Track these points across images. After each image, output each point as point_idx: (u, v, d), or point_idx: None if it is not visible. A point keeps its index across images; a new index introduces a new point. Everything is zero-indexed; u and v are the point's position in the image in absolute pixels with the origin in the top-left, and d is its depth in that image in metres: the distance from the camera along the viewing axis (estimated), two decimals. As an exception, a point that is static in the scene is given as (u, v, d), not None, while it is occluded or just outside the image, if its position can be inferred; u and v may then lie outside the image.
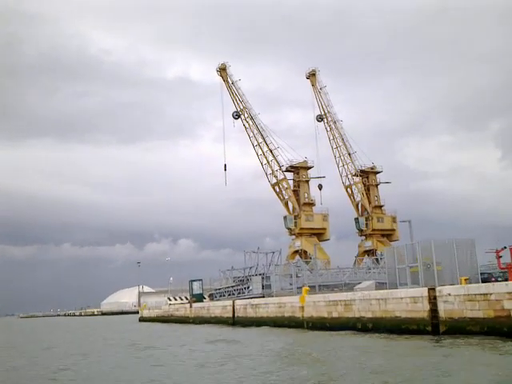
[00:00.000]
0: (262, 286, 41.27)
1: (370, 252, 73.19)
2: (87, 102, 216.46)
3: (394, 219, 75.40)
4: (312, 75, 75.63)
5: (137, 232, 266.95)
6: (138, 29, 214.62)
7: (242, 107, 71.56)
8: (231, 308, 38.19)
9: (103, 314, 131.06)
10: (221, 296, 47.54)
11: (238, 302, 37.82)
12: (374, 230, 73.50)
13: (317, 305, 27.55)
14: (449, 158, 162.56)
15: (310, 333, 25.66)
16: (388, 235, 74.92)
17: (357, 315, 24.14)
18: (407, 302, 21.15)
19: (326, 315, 26.62)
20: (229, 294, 45.68)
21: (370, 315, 23.30)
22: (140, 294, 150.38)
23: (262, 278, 41.73)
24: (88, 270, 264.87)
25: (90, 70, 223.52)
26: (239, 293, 43.65)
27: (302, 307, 28.88)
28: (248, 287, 42.22)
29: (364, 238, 75.43)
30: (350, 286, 39.88)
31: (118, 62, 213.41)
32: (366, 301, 23.62)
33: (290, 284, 40.90)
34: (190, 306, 46.37)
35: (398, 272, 24.96)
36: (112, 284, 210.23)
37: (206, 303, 44.80)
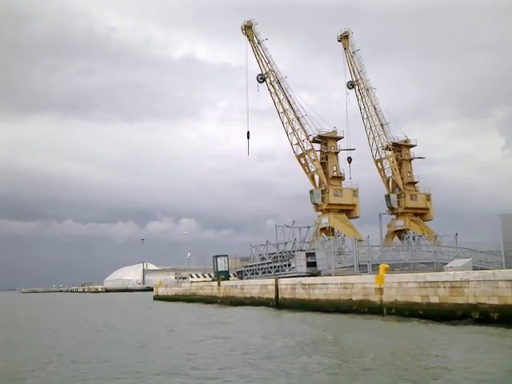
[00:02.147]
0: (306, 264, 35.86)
1: (401, 232, 67.66)
2: (92, 79, 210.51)
3: (428, 197, 69.81)
4: (345, 37, 69.03)
5: (139, 210, 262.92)
6: (145, 7, 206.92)
7: (267, 69, 65.24)
8: (273, 288, 32.67)
9: (107, 290, 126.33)
10: (252, 274, 42.16)
11: (282, 280, 32.30)
12: (406, 208, 67.80)
13: (403, 286, 21.99)
14: (453, 145, 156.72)
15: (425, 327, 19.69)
16: (421, 214, 69.30)
17: (472, 301, 18.56)
18: None
19: (418, 300, 21.07)
20: (263, 272, 40.30)
21: (494, 302, 17.71)
22: (144, 272, 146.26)
23: (306, 255, 36.24)
24: (90, 247, 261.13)
25: (96, 48, 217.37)
26: (277, 271, 38.23)
27: (380, 289, 23.35)
28: (289, 264, 36.71)
29: (395, 216, 69.74)
30: (410, 267, 34.52)
31: (124, 40, 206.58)
32: (487, 282, 18.01)
33: (339, 262, 35.51)
34: (219, 285, 40.91)
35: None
36: (114, 261, 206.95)
37: (239, 281, 39.37)
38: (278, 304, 32.02)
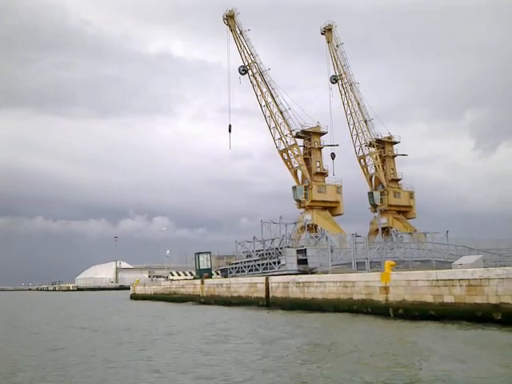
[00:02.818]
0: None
1: (384, 230, 66.58)
2: (66, 73, 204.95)
3: (411, 195, 68.99)
4: (328, 30, 67.45)
5: (111, 208, 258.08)
6: (121, 2, 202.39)
7: (250, 61, 63.17)
8: (263, 286, 30.86)
9: (79, 289, 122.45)
10: (238, 272, 40.17)
11: (273, 278, 30.48)
12: (389, 205, 66.79)
13: (412, 285, 20.42)
14: (425, 146, 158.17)
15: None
16: (404, 212, 68.48)
17: (493, 301, 17.09)
18: None
19: (430, 299, 19.53)
20: (250, 270, 38.34)
21: (520, 301, 16.28)
22: (117, 270, 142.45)
23: (297, 252, 34.51)
24: (61, 245, 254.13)
25: (71, 42, 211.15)
26: (265, 268, 36.33)
27: (385, 287, 21.74)
28: (279, 262, 34.89)
29: (377, 214, 68.68)
30: (405, 264, 33.15)
31: (99, 34, 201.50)
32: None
33: (331, 260, 33.84)
34: (202, 283, 38.83)
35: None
36: (86, 259, 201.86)
37: (225, 280, 37.36)
38: (269, 303, 30.26)
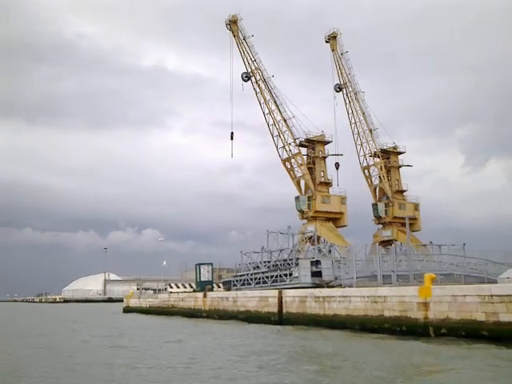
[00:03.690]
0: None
1: (388, 242, 64.36)
2: (59, 86, 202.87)
3: (416, 207, 67.00)
4: (332, 38, 65.95)
5: (101, 220, 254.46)
6: (116, 16, 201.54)
7: (253, 68, 61.26)
8: (276, 300, 28.24)
9: (66, 301, 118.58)
10: (243, 284, 37.51)
11: (288, 292, 27.90)
12: (394, 217, 64.67)
13: (459, 301, 18.01)
14: (415, 161, 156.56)
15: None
16: (409, 224, 66.20)
17: None
18: None
19: (481, 318, 17.13)
20: (257, 283, 35.71)
21: None
22: (106, 282, 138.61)
23: (311, 264, 32.04)
24: (49, 256, 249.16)
25: (66, 55, 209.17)
26: (275, 281, 33.73)
27: (425, 304, 19.31)
28: (291, 274, 32.34)
29: (381, 226, 66.56)
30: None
31: (93, 47, 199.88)
32: None
33: (346, 273, 31.40)
34: (204, 296, 36.10)
35: None
36: (73, 271, 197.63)
37: (231, 293, 34.65)
38: (282, 319, 27.62)
